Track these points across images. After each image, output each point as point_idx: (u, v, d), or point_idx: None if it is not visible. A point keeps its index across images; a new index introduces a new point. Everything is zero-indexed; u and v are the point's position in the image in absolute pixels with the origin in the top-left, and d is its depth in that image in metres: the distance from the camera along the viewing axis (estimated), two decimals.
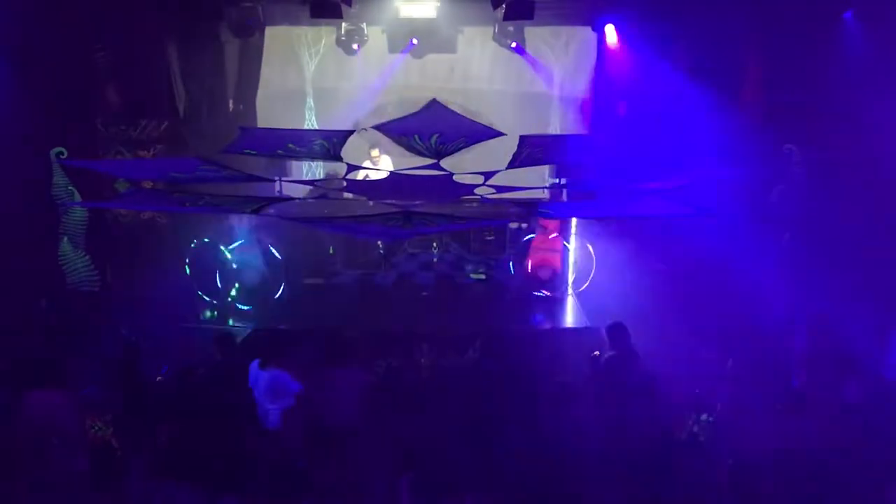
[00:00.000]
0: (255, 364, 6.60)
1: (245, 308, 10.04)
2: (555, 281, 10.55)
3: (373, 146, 10.91)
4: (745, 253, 9.84)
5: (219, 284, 10.07)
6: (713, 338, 8.13)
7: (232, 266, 10.10)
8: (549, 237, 10.54)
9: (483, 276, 11.05)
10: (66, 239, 10.06)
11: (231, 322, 9.58)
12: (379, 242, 11.35)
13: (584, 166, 8.42)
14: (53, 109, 9.65)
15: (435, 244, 11.76)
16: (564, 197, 10.39)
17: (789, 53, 9.78)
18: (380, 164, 10.86)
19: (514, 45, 11.94)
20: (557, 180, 10.38)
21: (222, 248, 10.07)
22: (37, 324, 8.86)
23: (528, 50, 12.24)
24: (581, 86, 12.45)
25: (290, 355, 6.80)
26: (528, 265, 10.62)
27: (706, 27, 9.90)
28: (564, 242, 10.58)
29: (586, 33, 11.71)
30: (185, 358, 7.77)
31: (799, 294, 9.22)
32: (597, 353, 7.09)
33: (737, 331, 8.32)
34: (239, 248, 10.13)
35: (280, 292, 10.21)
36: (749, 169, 8.36)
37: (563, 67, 12.68)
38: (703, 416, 6.92)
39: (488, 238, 11.37)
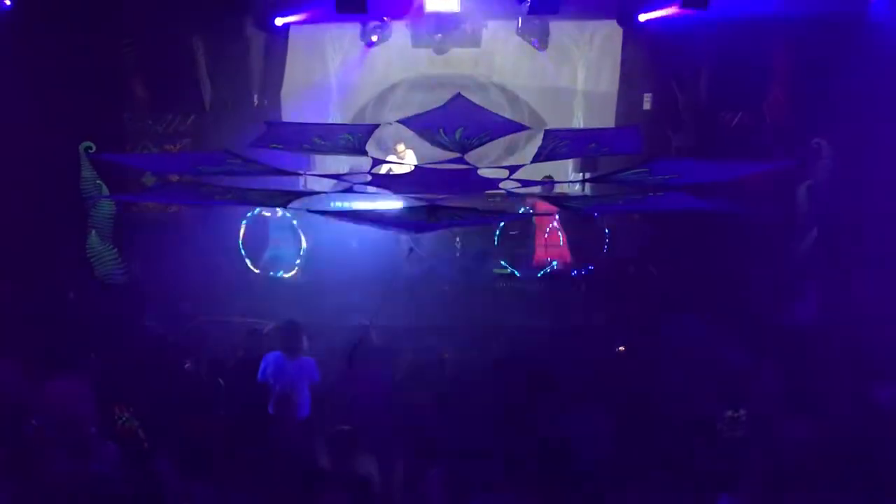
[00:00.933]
0: (272, 356, 6.61)
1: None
2: (564, 273, 10.54)
3: (398, 141, 10.92)
4: (772, 249, 9.78)
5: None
6: (740, 334, 8.06)
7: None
8: (547, 233, 10.55)
9: (507, 271, 11.02)
10: (93, 232, 10.15)
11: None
12: (403, 236, 11.34)
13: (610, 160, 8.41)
14: (82, 104, 9.76)
15: (458, 239, 11.74)
16: (588, 191, 10.36)
17: (816, 45, 9.66)
18: (405, 159, 10.87)
19: (533, 41, 11.90)
20: (581, 174, 10.34)
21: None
22: (64, 316, 8.98)
23: (553, 44, 12.18)
24: (606, 79, 12.38)
25: (313, 348, 6.83)
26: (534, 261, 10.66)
27: (732, 18, 9.81)
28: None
29: (611, 27, 11.64)
30: (210, 350, 7.88)
31: (826, 291, 9.13)
32: (622, 348, 7.08)
33: (764, 327, 8.26)
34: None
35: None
36: (775, 163, 8.28)
37: (587, 61, 12.60)
38: (730, 413, 6.87)
39: (512, 232, 11.32)
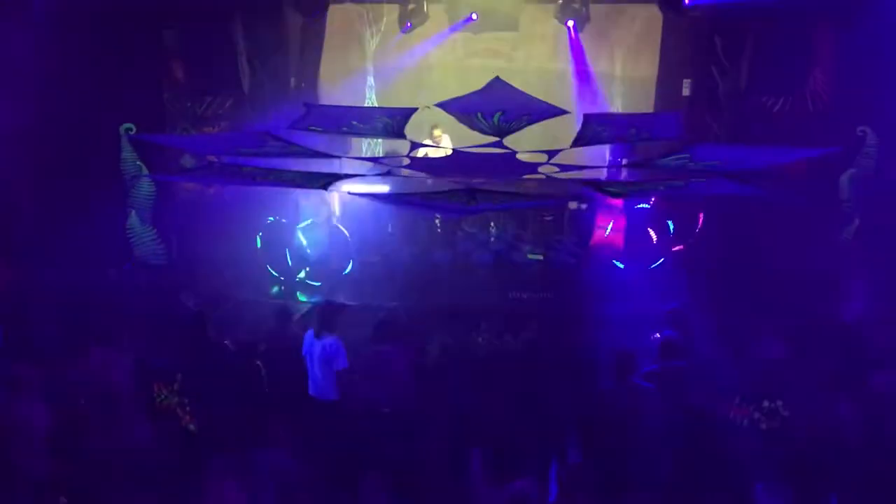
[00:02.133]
0: (309, 334, 6.68)
1: (315, 284, 10.21)
2: (615, 259, 10.45)
3: (435, 125, 10.91)
4: (812, 238, 9.62)
5: (289, 262, 10.26)
6: (777, 325, 7.96)
7: (302, 244, 10.32)
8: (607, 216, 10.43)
9: (541, 257, 10.97)
10: (133, 212, 10.32)
11: (300, 296, 9.76)
12: (437, 221, 11.37)
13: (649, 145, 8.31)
14: (122, 86, 9.88)
15: (492, 224, 11.73)
16: (626, 175, 10.26)
17: (861, 29, 9.43)
18: (441, 143, 10.85)
19: (571, 23, 11.76)
20: (619, 160, 10.25)
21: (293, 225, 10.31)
22: (105, 294, 9.13)
23: (592, 28, 12.04)
24: (645, 64, 12.23)
25: (343, 328, 6.87)
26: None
27: (778, 4, 9.62)
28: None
29: (651, 10, 11.47)
30: (248, 331, 7.98)
31: (868, 281, 8.97)
32: (657, 335, 7.02)
33: (802, 318, 8.14)
34: (308, 226, 10.36)
35: (349, 268, 10.37)
36: (818, 151, 8.13)
37: (626, 45, 12.45)
38: (766, 404, 6.80)
39: (546, 218, 11.27)
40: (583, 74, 12.09)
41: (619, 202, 10.03)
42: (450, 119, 6.87)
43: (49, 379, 5.99)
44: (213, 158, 7.63)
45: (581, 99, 11.61)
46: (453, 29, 12.03)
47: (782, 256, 9.26)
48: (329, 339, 6.50)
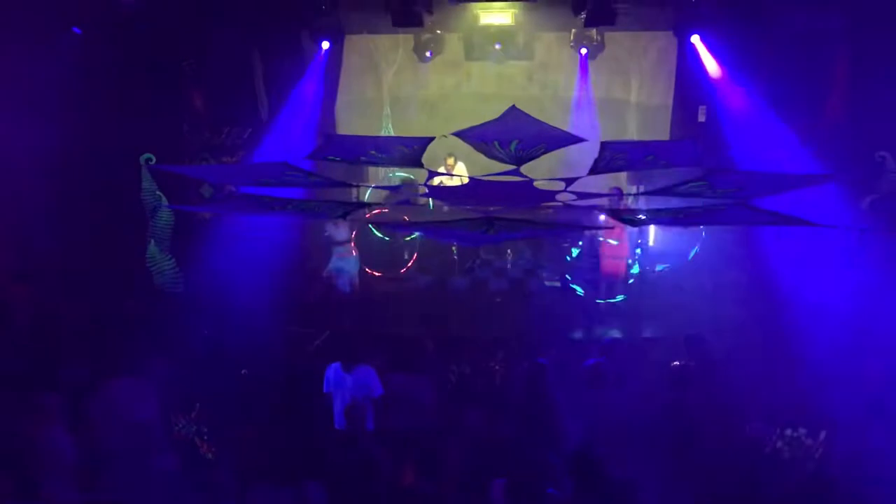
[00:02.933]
0: (333, 368, 6.64)
1: None
2: (619, 287, 10.40)
3: (448, 154, 10.97)
4: (833, 265, 9.52)
5: None
6: (798, 352, 7.87)
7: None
8: (614, 243, 10.39)
9: (558, 284, 10.94)
10: (153, 242, 10.37)
11: None
12: (453, 248, 11.39)
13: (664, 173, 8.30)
14: (143, 117, 10.00)
15: (509, 251, 11.74)
16: (643, 204, 10.24)
17: (880, 54, 9.40)
18: (455, 171, 10.92)
19: (584, 52, 11.83)
20: (635, 188, 10.24)
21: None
22: (125, 323, 9.17)
23: (607, 55, 12.11)
24: (660, 91, 12.26)
25: (365, 359, 6.85)
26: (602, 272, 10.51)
27: (793, 29, 9.62)
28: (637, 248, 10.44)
29: (666, 38, 11.52)
30: (266, 360, 7.98)
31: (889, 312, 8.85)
32: (676, 363, 6.97)
33: (822, 346, 8.04)
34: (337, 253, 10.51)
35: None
36: (836, 176, 8.09)
37: (641, 73, 12.51)
38: (788, 432, 6.72)
39: (564, 245, 11.26)
40: (584, 102, 12.14)
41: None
42: (464, 148, 6.90)
43: (73, 408, 6.01)
44: (232, 188, 7.68)
45: (578, 126, 11.58)
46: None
47: (800, 284, 9.17)
48: (362, 369, 6.48)
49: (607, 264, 10.37)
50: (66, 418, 5.73)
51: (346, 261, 10.53)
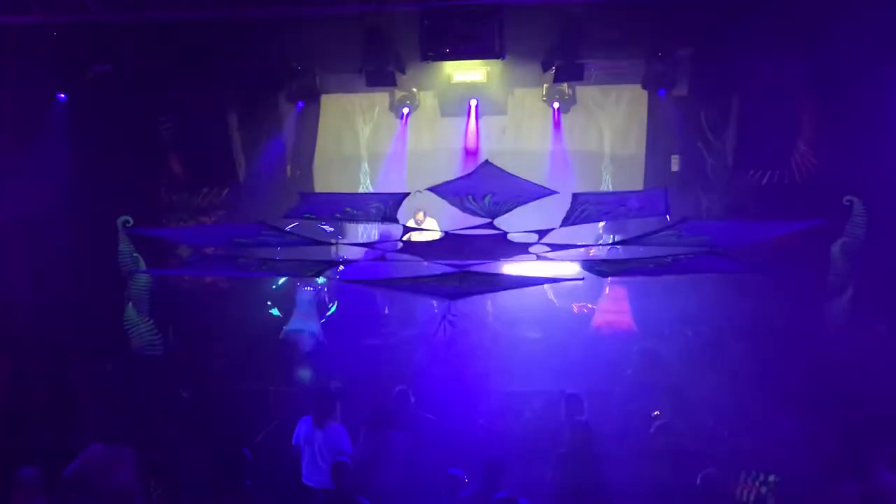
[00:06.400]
0: (305, 421, 6.59)
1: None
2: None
3: (418, 209, 11.08)
4: (805, 309, 9.61)
5: None
6: (775, 398, 7.91)
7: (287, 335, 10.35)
8: (614, 296, 10.39)
9: (537, 336, 10.92)
10: (130, 304, 10.32)
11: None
12: (434, 301, 11.38)
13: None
14: (119, 180, 10.05)
15: (489, 303, 11.73)
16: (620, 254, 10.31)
17: (844, 99, 9.65)
18: (425, 226, 11.01)
19: (556, 105, 12.05)
20: (611, 237, 10.33)
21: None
22: (103, 388, 9.07)
23: (579, 108, 12.34)
24: (633, 142, 12.47)
25: (342, 414, 6.82)
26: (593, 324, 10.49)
27: (757, 74, 9.87)
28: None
29: (636, 90, 11.77)
30: (246, 421, 7.90)
31: (863, 352, 8.92)
32: (657, 412, 6.99)
33: (798, 390, 8.09)
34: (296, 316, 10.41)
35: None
36: (806, 222, 8.26)
37: (613, 124, 12.73)
38: (771, 478, 6.72)
39: (549, 297, 11.27)
40: (558, 154, 12.32)
41: None
42: (436, 203, 6.97)
43: (49, 477, 5.90)
44: (209, 250, 7.70)
45: (553, 178, 11.66)
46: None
47: (775, 329, 9.24)
48: (334, 426, 6.44)
49: (602, 318, 10.38)
50: (45, 491, 5.63)
51: (306, 322, 10.45)
